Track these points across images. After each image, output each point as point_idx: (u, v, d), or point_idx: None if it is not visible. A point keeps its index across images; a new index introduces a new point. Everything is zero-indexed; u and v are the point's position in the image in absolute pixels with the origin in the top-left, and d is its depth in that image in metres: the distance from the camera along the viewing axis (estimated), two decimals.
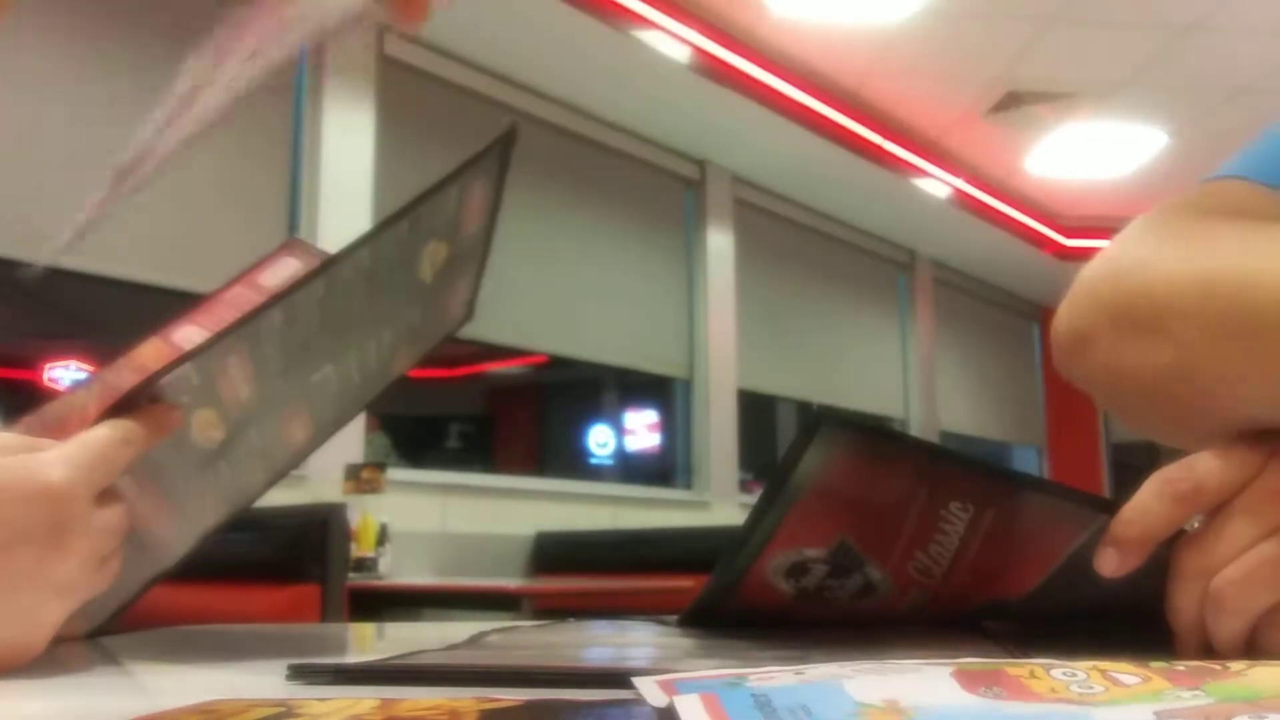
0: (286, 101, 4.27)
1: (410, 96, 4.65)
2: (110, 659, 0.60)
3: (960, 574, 0.56)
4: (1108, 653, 0.35)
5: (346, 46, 4.37)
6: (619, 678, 0.36)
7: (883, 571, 0.57)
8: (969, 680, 0.26)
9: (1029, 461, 8.95)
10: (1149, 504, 0.48)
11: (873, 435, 0.53)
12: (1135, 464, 8.15)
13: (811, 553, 0.56)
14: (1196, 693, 0.26)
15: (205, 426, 0.59)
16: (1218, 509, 0.48)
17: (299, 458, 0.71)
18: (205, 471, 0.62)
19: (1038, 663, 0.30)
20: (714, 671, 0.33)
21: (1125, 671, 0.28)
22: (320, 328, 0.62)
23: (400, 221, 0.59)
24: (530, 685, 0.42)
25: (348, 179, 4.31)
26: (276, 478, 0.69)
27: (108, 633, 0.67)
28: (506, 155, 0.66)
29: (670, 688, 0.31)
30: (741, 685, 0.30)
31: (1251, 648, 0.47)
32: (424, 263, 0.66)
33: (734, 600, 0.60)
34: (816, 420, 0.51)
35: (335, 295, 0.60)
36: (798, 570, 0.57)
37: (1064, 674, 0.27)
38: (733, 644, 0.56)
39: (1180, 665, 0.30)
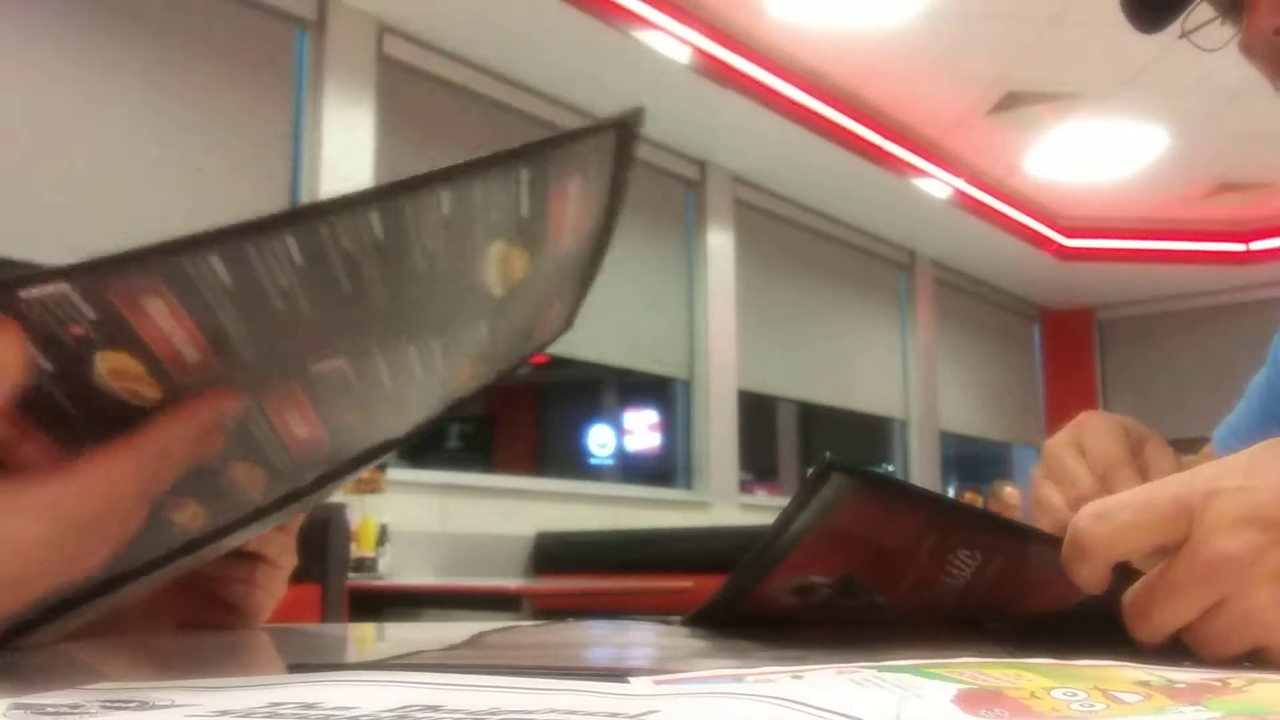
0: (286, 101, 4.27)
1: (410, 96, 4.65)
2: (109, 660, 0.60)
3: (967, 607, 0.56)
4: (1107, 654, 0.35)
5: (346, 46, 4.37)
6: (618, 678, 0.36)
7: (888, 599, 0.56)
8: (970, 701, 0.26)
9: (1029, 461, 8.95)
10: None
11: (882, 485, 0.52)
12: None
13: (818, 579, 0.56)
14: (1198, 709, 0.26)
15: (125, 376, 0.45)
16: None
17: (309, 480, 0.54)
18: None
19: (1037, 665, 0.30)
20: (711, 672, 0.33)
21: (1126, 689, 0.28)
22: (315, 307, 0.46)
23: (422, 195, 0.44)
24: None
25: (348, 179, 4.31)
26: (289, 500, 0.53)
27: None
28: (626, 151, 0.50)
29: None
30: (739, 686, 0.30)
31: (1249, 659, 0.47)
32: (489, 269, 0.51)
33: (740, 605, 0.60)
34: (826, 467, 0.49)
35: (327, 269, 0.45)
36: (804, 590, 0.57)
37: (1065, 694, 0.27)
38: (734, 644, 0.56)
39: (1180, 681, 0.30)
